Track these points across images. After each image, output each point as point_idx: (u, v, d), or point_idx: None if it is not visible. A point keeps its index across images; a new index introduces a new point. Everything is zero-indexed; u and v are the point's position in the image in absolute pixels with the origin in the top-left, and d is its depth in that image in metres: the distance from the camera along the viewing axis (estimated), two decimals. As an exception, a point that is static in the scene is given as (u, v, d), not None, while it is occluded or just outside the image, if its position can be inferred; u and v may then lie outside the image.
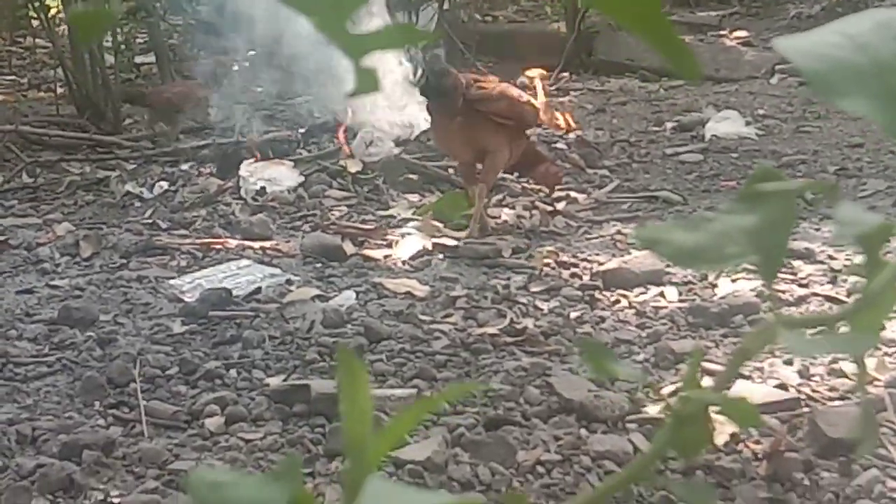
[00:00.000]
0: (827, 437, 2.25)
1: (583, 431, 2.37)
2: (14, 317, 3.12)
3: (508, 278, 3.35)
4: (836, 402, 2.47)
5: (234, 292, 3.19)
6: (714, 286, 3.19)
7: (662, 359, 2.72)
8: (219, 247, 3.70)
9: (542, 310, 3.09)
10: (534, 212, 3.98)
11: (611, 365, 0.68)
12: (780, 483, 2.17)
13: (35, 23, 6.79)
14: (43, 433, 2.41)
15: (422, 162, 4.39)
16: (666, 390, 2.46)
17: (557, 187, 4.12)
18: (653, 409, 2.44)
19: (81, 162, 4.92)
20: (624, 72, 6.71)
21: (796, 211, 0.66)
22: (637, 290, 3.19)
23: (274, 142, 4.62)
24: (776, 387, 2.53)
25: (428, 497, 0.60)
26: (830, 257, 3.35)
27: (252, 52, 5.60)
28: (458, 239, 3.69)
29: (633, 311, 3.07)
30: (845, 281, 3.17)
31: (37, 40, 7.40)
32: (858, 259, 0.62)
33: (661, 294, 3.16)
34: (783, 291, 3.11)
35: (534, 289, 3.25)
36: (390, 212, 4.04)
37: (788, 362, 2.66)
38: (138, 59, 6.93)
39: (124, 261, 3.60)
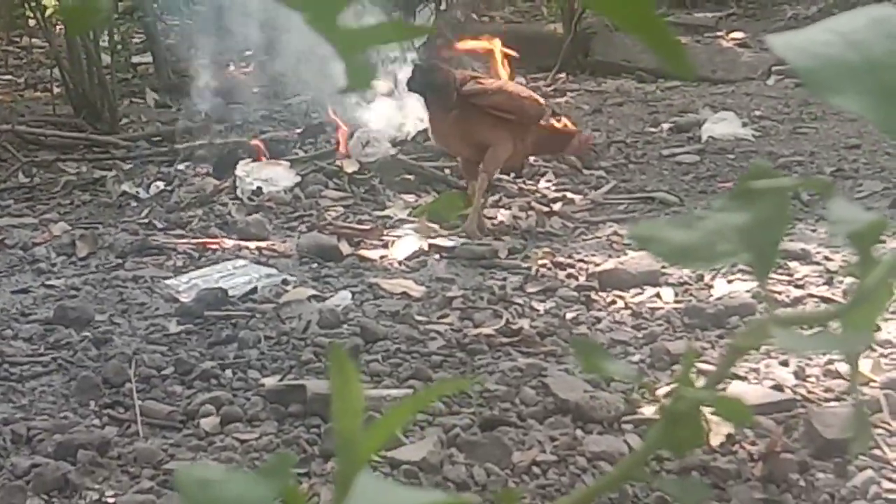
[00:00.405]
0: (822, 438, 2.25)
1: (578, 432, 2.37)
2: (10, 316, 3.11)
3: (504, 279, 3.35)
4: (832, 403, 2.48)
5: (230, 292, 3.19)
6: (710, 287, 3.19)
7: (658, 359, 2.72)
8: (215, 247, 3.70)
9: (538, 310, 3.09)
10: (530, 212, 3.98)
11: (603, 363, 0.68)
12: (776, 484, 2.17)
13: (32, 22, 6.78)
14: (38, 433, 2.41)
15: (418, 162, 4.39)
16: (661, 391, 2.46)
17: (591, 149, 4.14)
18: (648, 410, 2.44)
19: (78, 162, 4.91)
20: (620, 73, 6.70)
21: (790, 209, 0.66)
22: (633, 291, 3.19)
23: (270, 142, 4.62)
24: (772, 388, 2.54)
25: (416, 494, 0.60)
26: (826, 258, 3.35)
27: (248, 52, 5.61)
28: (457, 235, 3.69)
29: (629, 311, 3.07)
30: (841, 282, 3.18)
31: (33, 40, 7.39)
32: (854, 260, 0.62)
33: (658, 295, 3.16)
34: (779, 292, 3.11)
35: (530, 289, 3.25)
36: (386, 212, 4.04)
37: (784, 363, 2.66)
38: (135, 59, 6.92)
39: (120, 261, 3.60)
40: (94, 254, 3.68)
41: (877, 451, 2.26)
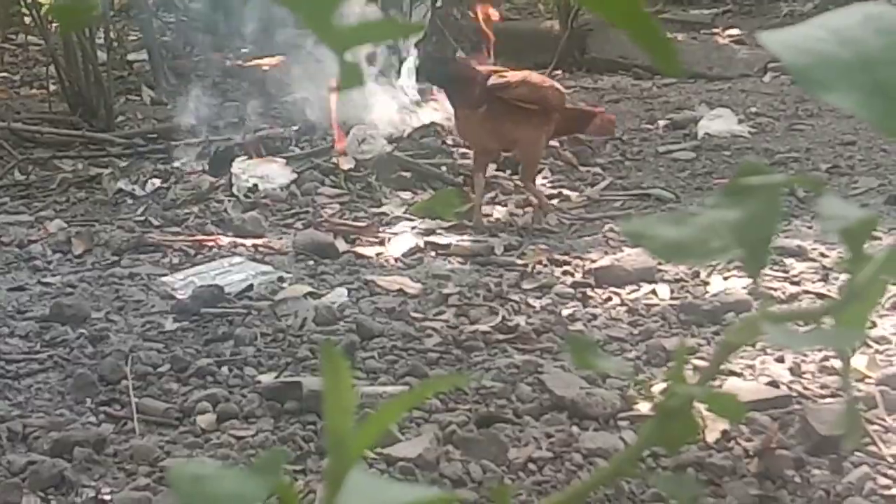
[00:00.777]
0: (818, 435, 2.25)
1: (574, 429, 2.37)
2: (5, 314, 3.11)
3: (500, 276, 3.35)
4: (828, 400, 2.48)
5: (226, 289, 3.19)
6: (706, 284, 3.19)
7: (654, 356, 2.72)
8: (211, 244, 3.69)
9: (534, 307, 3.09)
10: (526, 209, 3.99)
11: (596, 359, 0.68)
12: (772, 480, 2.17)
13: (27, 20, 6.77)
14: (34, 430, 2.40)
15: (414, 159, 4.39)
16: (657, 388, 2.47)
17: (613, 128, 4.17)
18: (644, 407, 2.44)
19: (74, 159, 4.91)
20: (617, 69, 6.70)
21: (782, 205, 0.66)
22: (629, 288, 3.20)
23: (266, 139, 4.62)
24: (767, 384, 2.54)
25: (407, 491, 0.60)
26: (822, 255, 3.36)
27: (244, 50, 5.60)
28: (471, 227, 3.73)
29: (624, 308, 3.07)
30: (837, 278, 3.18)
31: (29, 37, 7.38)
32: (845, 265, 0.62)
33: (653, 292, 3.16)
34: (775, 289, 3.11)
35: (526, 286, 3.25)
36: (383, 209, 4.04)
37: (780, 360, 2.67)
38: (131, 57, 6.91)
39: (116, 258, 3.59)
40: (90, 251, 3.67)
41: (872, 448, 2.26)
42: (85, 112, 5.46)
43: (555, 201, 4.12)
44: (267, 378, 2.63)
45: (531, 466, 2.25)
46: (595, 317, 3.02)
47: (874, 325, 2.76)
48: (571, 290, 3.20)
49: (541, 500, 2.11)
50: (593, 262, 3.39)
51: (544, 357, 2.74)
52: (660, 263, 3.28)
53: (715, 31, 7.41)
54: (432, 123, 4.66)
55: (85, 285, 3.31)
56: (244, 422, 2.45)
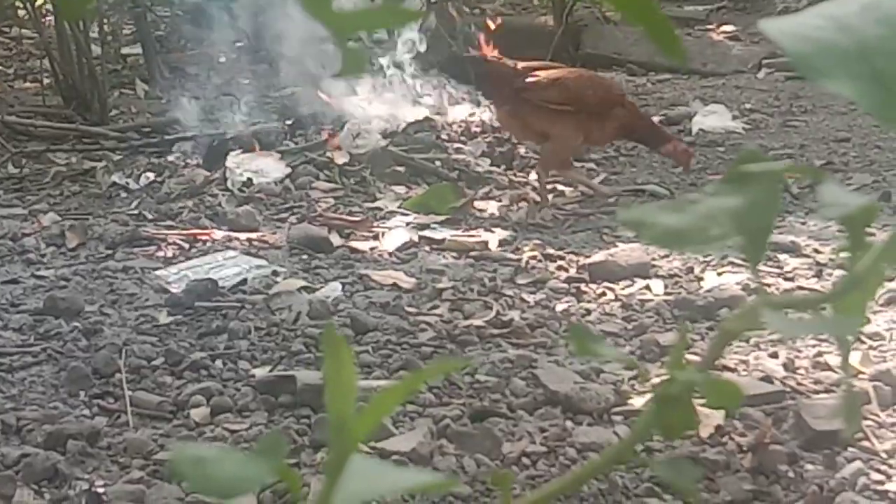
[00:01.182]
0: (812, 430, 2.25)
1: (568, 423, 2.38)
2: (-1, 307, 3.11)
3: (495, 270, 3.35)
4: (821, 395, 2.48)
5: (221, 283, 3.18)
6: (700, 279, 3.19)
7: (648, 351, 2.73)
8: (205, 238, 3.69)
9: (528, 302, 3.09)
10: (521, 204, 3.99)
11: (598, 348, 0.68)
12: (765, 475, 2.18)
13: (21, 13, 6.76)
14: (28, 423, 2.40)
15: (409, 154, 4.39)
16: (654, 380, 2.47)
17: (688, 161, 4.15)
18: (638, 401, 2.44)
19: (67, 152, 4.90)
20: (611, 65, 6.70)
21: (781, 193, 0.66)
22: (623, 283, 3.20)
23: (261, 133, 4.61)
24: (761, 379, 2.54)
25: (406, 475, 0.60)
26: (816, 251, 3.36)
27: (239, 44, 5.59)
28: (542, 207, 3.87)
29: (619, 303, 3.07)
30: (831, 275, 3.18)
31: (23, 31, 7.36)
32: (844, 254, 0.62)
33: (647, 287, 3.17)
34: (769, 285, 3.12)
35: (520, 281, 3.25)
36: (377, 204, 4.03)
37: (773, 355, 2.67)
38: (125, 50, 6.90)
39: (110, 251, 3.59)
40: (83, 244, 3.67)
41: (866, 443, 2.27)
42: (79, 105, 5.45)
43: (550, 196, 4.12)
44: (261, 372, 2.63)
45: (525, 461, 2.25)
46: (589, 312, 3.02)
47: (868, 321, 2.76)
48: (565, 285, 3.20)
49: (540, 486, 2.11)
50: (587, 257, 3.39)
51: (538, 352, 2.74)
52: (654, 259, 3.29)
53: (709, 27, 7.41)
54: (426, 118, 4.66)
55: (79, 278, 3.30)
56: (238, 415, 2.45)
